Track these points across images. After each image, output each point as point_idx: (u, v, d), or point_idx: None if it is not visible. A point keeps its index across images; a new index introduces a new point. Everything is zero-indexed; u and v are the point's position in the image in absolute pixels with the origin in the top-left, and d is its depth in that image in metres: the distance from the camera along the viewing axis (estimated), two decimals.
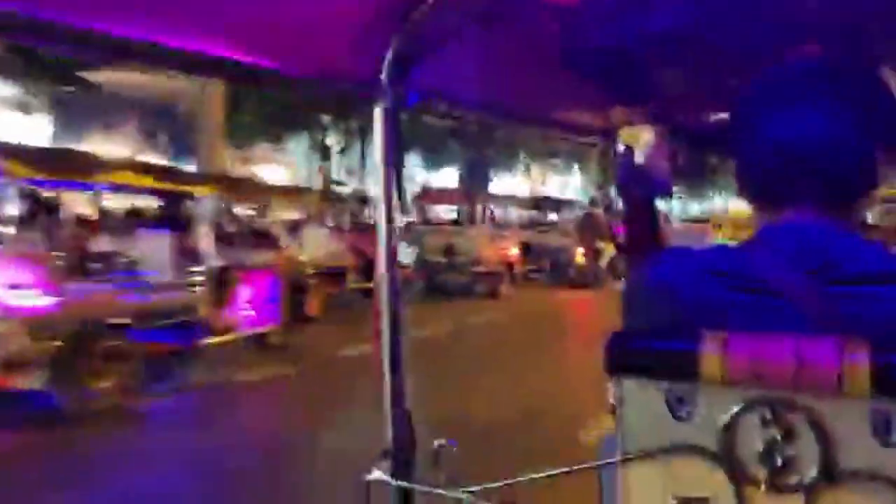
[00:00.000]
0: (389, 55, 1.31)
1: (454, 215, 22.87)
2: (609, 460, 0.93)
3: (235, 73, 1.34)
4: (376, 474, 1.28)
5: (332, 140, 21.70)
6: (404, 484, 1.27)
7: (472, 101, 1.67)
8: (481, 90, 1.63)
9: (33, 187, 7.13)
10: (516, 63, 1.48)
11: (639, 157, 1.89)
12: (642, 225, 2.00)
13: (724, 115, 1.48)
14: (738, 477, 0.82)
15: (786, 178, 0.98)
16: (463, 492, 1.14)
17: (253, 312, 8.25)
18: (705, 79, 1.66)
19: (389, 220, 1.36)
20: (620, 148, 1.99)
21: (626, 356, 0.93)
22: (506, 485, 1.12)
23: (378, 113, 1.35)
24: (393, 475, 1.28)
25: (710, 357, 0.83)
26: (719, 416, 0.84)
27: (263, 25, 1.16)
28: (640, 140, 1.90)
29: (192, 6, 1.08)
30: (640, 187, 1.90)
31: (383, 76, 1.33)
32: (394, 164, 1.36)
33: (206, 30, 1.14)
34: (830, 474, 0.79)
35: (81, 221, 7.62)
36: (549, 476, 1.04)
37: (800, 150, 0.96)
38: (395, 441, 1.32)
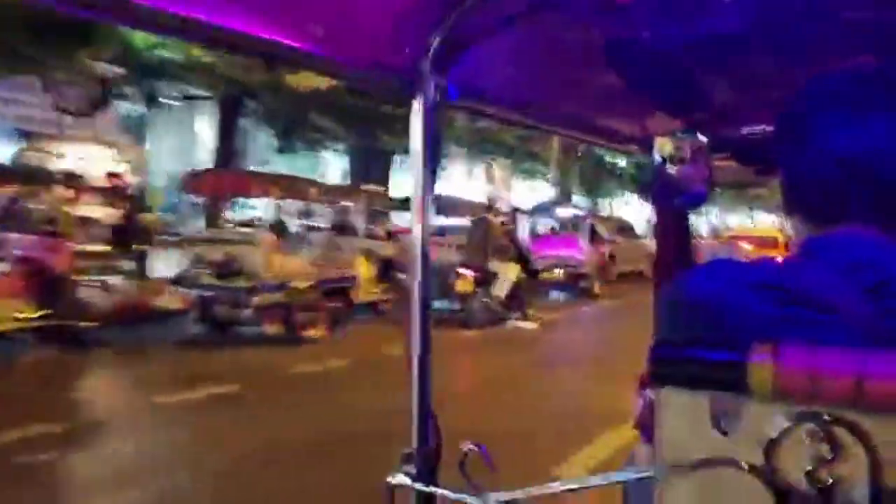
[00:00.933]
0: (432, 48, 1.29)
1: (259, 215, 15.49)
2: (643, 472, 0.89)
3: (275, 54, 1.32)
4: (399, 478, 1.26)
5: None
6: (427, 488, 1.25)
7: (511, 100, 1.65)
8: (522, 89, 1.62)
9: None
10: (558, 64, 1.46)
11: (675, 169, 1.86)
12: (676, 237, 1.97)
13: (768, 128, 1.45)
14: (784, 494, 0.79)
15: (842, 191, 0.95)
16: (489, 499, 1.12)
17: None
18: (749, 89, 1.63)
19: (425, 222, 1.34)
20: (657, 158, 1.97)
21: (669, 365, 0.90)
22: (533, 493, 1.10)
23: (416, 107, 1.33)
24: (416, 479, 1.26)
25: (760, 368, 0.80)
26: (765, 430, 0.80)
27: (309, 7, 1.15)
28: (677, 150, 1.87)
29: None
30: (675, 199, 1.87)
31: (424, 69, 1.31)
32: (432, 163, 1.34)
33: (249, 9, 1.13)
34: (880, 495, 0.75)
35: None
36: (582, 488, 1.01)
37: (856, 164, 0.93)
38: (419, 444, 1.30)
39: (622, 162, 27.30)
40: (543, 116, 1.82)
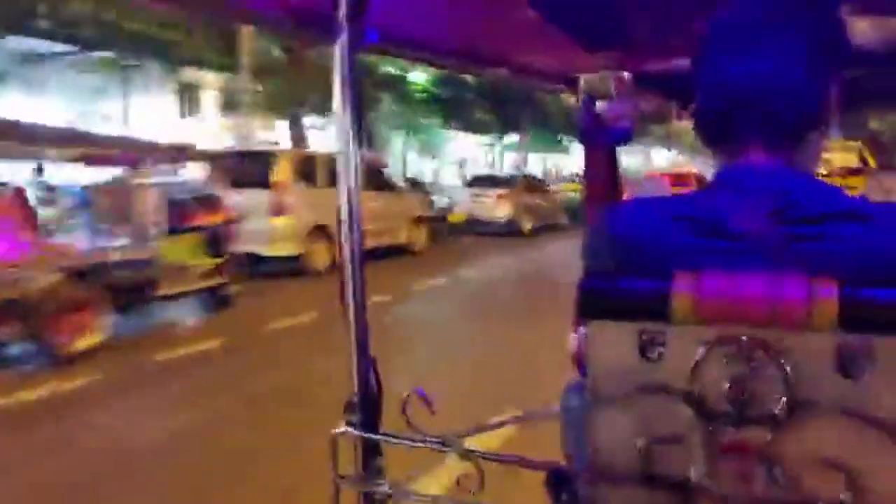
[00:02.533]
0: None
1: None
2: (577, 404, 0.92)
3: (196, 7, 1.27)
4: (343, 427, 1.26)
5: None
6: (371, 435, 1.26)
7: (435, 42, 1.62)
8: (445, 32, 1.59)
9: None
10: (482, 5, 1.44)
11: (601, 106, 1.87)
12: (603, 174, 1.99)
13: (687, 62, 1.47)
14: (707, 414, 0.83)
15: (737, 119, 0.97)
16: (429, 440, 1.14)
17: None
18: (671, 23, 1.64)
19: (354, 174, 1.32)
20: (583, 95, 1.97)
21: (596, 298, 0.92)
22: (472, 431, 1.12)
23: (336, 54, 1.30)
24: (359, 427, 1.27)
25: (682, 296, 0.83)
26: (689, 356, 0.84)
27: None
28: (603, 87, 1.88)
29: None
30: (601, 136, 1.89)
31: (340, 14, 1.27)
32: (354, 110, 1.31)
33: None
34: (795, 407, 0.80)
35: None
36: (517, 420, 1.04)
37: (748, 90, 0.95)
38: (360, 392, 1.30)
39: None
40: (468, 57, 1.79)
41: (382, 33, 1.37)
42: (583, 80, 1.97)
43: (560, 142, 33.31)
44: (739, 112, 0.96)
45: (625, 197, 2.10)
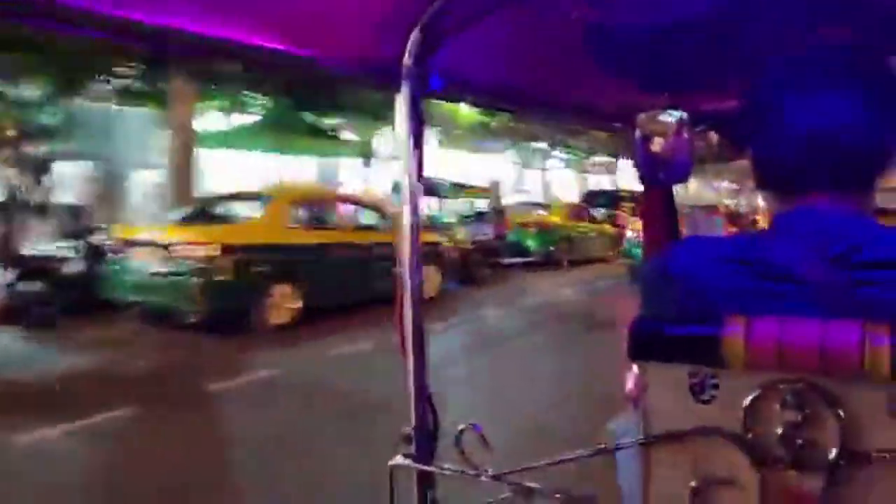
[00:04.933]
0: (413, 39, 1.31)
1: None
2: (632, 442, 0.94)
3: (258, 58, 1.35)
4: (399, 459, 1.30)
5: None
6: (427, 467, 1.29)
7: (494, 86, 1.68)
8: (504, 76, 1.64)
9: None
10: (538, 48, 1.48)
11: (657, 145, 1.89)
12: (660, 212, 2.00)
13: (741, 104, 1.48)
14: (760, 458, 0.83)
15: (806, 166, 0.98)
16: (485, 474, 1.16)
17: None
18: (726, 66, 1.66)
19: (414, 209, 1.37)
20: (639, 135, 1.99)
21: (649, 341, 0.94)
22: (527, 468, 1.14)
23: (401, 99, 1.36)
24: (416, 459, 1.30)
25: (734, 341, 0.84)
26: (741, 399, 0.85)
27: (285, 8, 1.17)
28: (659, 126, 1.90)
29: None
30: (658, 175, 1.90)
31: (406, 61, 1.33)
32: (418, 152, 1.37)
33: (227, 14, 1.15)
34: (850, 454, 0.80)
35: None
36: (570, 460, 1.05)
37: (820, 138, 0.96)
38: (417, 424, 1.33)
39: None
40: (527, 100, 1.84)
41: (444, 79, 1.43)
42: (639, 118, 2.00)
43: None
44: (813, 159, 0.97)
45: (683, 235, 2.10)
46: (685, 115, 1.87)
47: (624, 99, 1.92)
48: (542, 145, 25.34)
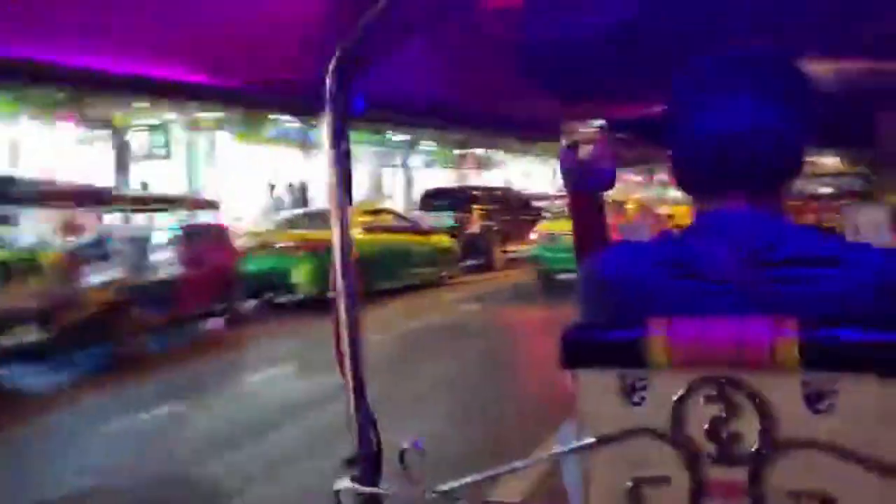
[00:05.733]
0: (333, 64, 1.32)
1: None
2: (566, 450, 0.96)
3: (186, 94, 1.34)
4: (344, 482, 1.29)
5: None
6: (372, 490, 1.28)
7: (420, 106, 1.69)
8: (429, 95, 1.66)
9: None
10: (461, 66, 1.51)
11: (583, 153, 1.93)
12: (589, 219, 2.05)
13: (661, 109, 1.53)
14: (689, 454, 0.86)
15: (721, 167, 1.02)
16: (430, 492, 1.16)
17: None
18: (644, 73, 1.71)
19: (343, 229, 1.37)
20: (565, 144, 2.04)
21: (579, 348, 0.97)
22: (471, 482, 1.15)
23: (325, 122, 1.36)
24: (360, 481, 1.29)
25: (655, 342, 0.88)
26: (669, 399, 0.88)
27: (202, 39, 1.16)
28: (584, 136, 1.95)
29: (135, 30, 1.08)
30: (585, 182, 1.95)
31: (328, 84, 1.33)
32: (343, 173, 1.37)
33: (153, 53, 1.14)
34: (770, 445, 0.84)
35: None
36: (512, 470, 1.07)
37: (729, 141, 1.00)
38: (360, 447, 1.33)
39: None
40: (452, 116, 1.87)
41: (368, 101, 1.43)
42: (563, 128, 2.04)
43: None
44: (724, 162, 1.01)
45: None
46: (607, 123, 1.92)
47: (549, 110, 1.96)
48: (405, 137, 20.02)
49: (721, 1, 1.34)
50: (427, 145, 22.56)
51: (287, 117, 16.28)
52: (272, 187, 18.26)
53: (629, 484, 0.90)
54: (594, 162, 1.91)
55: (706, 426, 0.86)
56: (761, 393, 0.84)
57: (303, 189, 18.50)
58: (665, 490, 0.88)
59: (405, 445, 1.21)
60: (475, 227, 15.80)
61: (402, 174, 23.48)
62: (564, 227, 11.31)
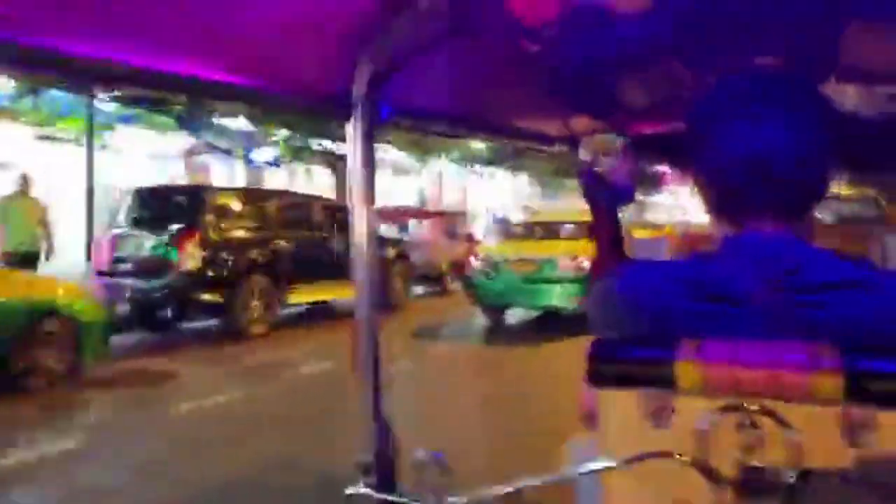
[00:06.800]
0: (360, 70, 1.32)
1: None
2: (591, 470, 0.95)
3: (207, 91, 1.34)
4: (357, 488, 1.28)
5: None
6: (386, 496, 1.28)
7: (442, 113, 1.70)
8: (452, 102, 1.66)
9: None
10: (485, 76, 1.51)
11: (602, 166, 1.93)
12: (607, 233, 2.04)
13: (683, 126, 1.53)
14: (715, 480, 0.86)
15: (747, 190, 1.01)
16: (447, 501, 1.16)
17: None
18: (667, 90, 1.71)
19: (368, 235, 1.37)
20: (584, 157, 2.04)
21: (606, 365, 0.96)
22: (486, 494, 1.14)
23: (350, 130, 1.36)
24: (375, 487, 1.29)
25: (687, 364, 0.87)
26: (696, 423, 0.87)
27: (233, 41, 1.16)
28: (604, 149, 1.95)
29: (162, 24, 1.08)
30: (604, 196, 1.94)
31: (355, 92, 1.34)
32: (369, 180, 1.37)
33: (175, 48, 1.14)
34: (804, 475, 0.83)
35: None
36: (531, 485, 1.06)
37: (756, 163, 1.00)
38: (376, 452, 1.33)
39: None
40: (475, 125, 1.87)
41: (394, 108, 1.44)
42: (583, 142, 2.04)
43: None
44: (752, 184, 1.00)
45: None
46: (629, 140, 1.92)
47: (569, 123, 1.97)
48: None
49: (748, 23, 1.35)
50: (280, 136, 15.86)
51: None
52: None
53: None
54: (614, 177, 1.90)
55: (735, 454, 0.85)
56: (795, 422, 0.83)
57: None
58: None
59: (421, 452, 1.21)
60: (192, 260, 8.43)
61: (244, 172, 17.34)
62: (511, 251, 9.93)
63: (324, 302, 10.49)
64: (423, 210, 16.20)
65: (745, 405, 0.85)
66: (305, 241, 10.03)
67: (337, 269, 9.71)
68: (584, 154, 2.02)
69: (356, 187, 1.38)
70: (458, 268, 12.62)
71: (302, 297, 9.92)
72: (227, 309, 8.72)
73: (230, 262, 8.90)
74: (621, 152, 1.91)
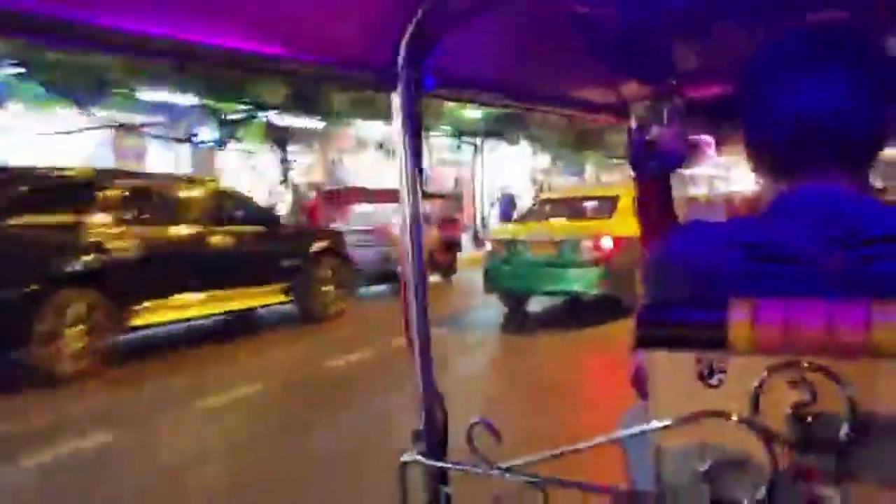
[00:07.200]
0: (405, 41, 1.32)
1: None
2: (642, 429, 0.95)
3: (249, 63, 1.35)
4: (410, 455, 1.31)
5: None
6: (438, 463, 1.30)
7: (488, 83, 1.69)
8: (497, 72, 1.65)
9: None
10: (531, 44, 1.49)
11: (652, 133, 1.90)
12: (657, 200, 2.01)
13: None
14: (769, 439, 0.84)
15: (802, 146, 0.99)
16: (495, 468, 1.17)
17: None
18: (718, 52, 1.67)
19: (415, 210, 1.38)
20: (634, 124, 2.00)
21: (655, 329, 0.95)
22: (536, 460, 1.15)
23: (395, 100, 1.37)
24: (426, 455, 1.31)
25: (740, 325, 0.85)
26: (749, 382, 0.85)
27: (276, 13, 1.17)
28: (653, 115, 1.91)
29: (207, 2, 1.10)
30: (653, 162, 1.91)
31: (399, 62, 1.34)
32: (415, 152, 1.38)
33: (217, 20, 1.16)
34: (859, 432, 0.81)
35: None
36: (577, 450, 1.06)
37: (815, 118, 0.97)
38: (427, 422, 1.35)
39: None
40: (520, 94, 1.85)
41: (439, 78, 1.43)
42: (633, 108, 2.00)
43: None
44: (809, 140, 0.98)
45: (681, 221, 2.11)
46: (679, 102, 1.88)
47: (618, 90, 1.93)
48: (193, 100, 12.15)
49: None
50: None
51: None
52: None
53: (705, 467, 0.89)
54: (664, 140, 1.87)
55: (789, 411, 0.83)
56: (850, 377, 0.81)
57: None
58: (743, 475, 0.86)
59: (473, 420, 1.22)
60: None
61: (188, 154, 14.70)
62: (528, 231, 8.92)
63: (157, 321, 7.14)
64: (383, 191, 12.83)
65: (797, 363, 0.83)
66: (166, 241, 7.24)
67: (221, 275, 7.57)
68: (633, 120, 1.98)
69: (402, 159, 1.38)
70: (430, 259, 11.11)
71: (153, 316, 7.04)
72: (18, 341, 5.75)
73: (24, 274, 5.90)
74: (670, 116, 1.87)
